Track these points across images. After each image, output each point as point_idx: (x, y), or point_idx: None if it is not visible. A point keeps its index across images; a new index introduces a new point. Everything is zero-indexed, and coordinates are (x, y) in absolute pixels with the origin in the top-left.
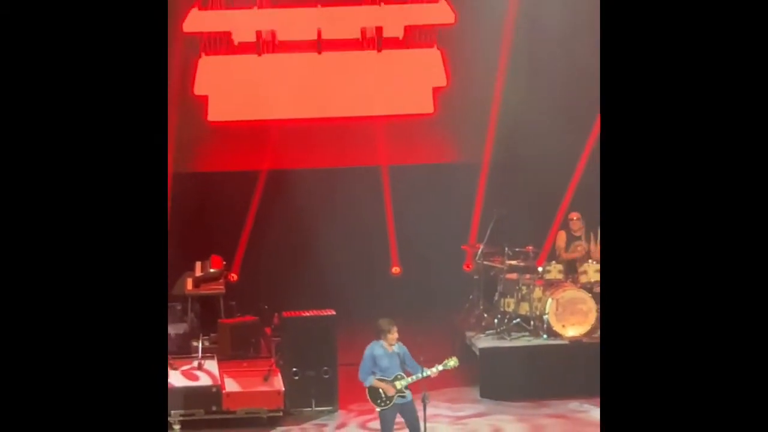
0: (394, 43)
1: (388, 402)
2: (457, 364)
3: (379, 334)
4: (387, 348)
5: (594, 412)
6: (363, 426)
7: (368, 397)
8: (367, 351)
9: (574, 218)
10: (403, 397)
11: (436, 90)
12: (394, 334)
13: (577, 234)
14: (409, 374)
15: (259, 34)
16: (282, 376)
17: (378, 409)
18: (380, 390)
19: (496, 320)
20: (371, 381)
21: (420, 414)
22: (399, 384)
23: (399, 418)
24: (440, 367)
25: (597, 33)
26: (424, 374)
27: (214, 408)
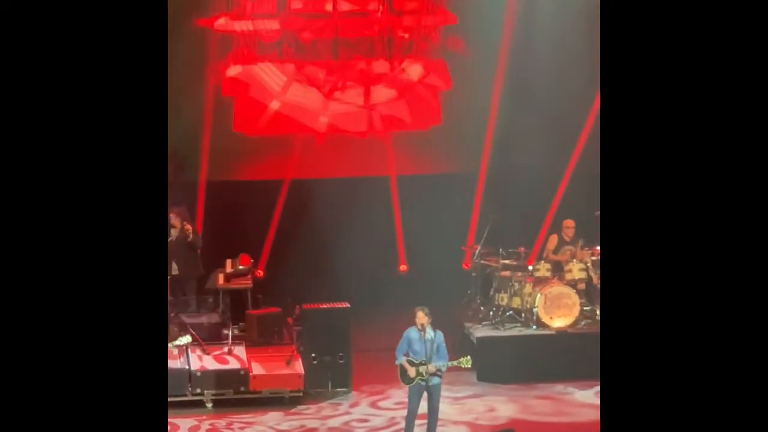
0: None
1: (410, 381)
2: (470, 364)
3: (414, 319)
4: (421, 333)
5: (577, 394)
6: (374, 405)
7: (399, 374)
8: (405, 334)
9: (569, 225)
10: (423, 380)
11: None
12: (419, 317)
13: (568, 239)
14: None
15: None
16: (302, 361)
17: (403, 385)
18: (406, 369)
19: (491, 312)
20: (401, 360)
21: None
22: (421, 368)
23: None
24: (452, 363)
25: (590, 50)
26: (441, 365)
27: (242, 388)
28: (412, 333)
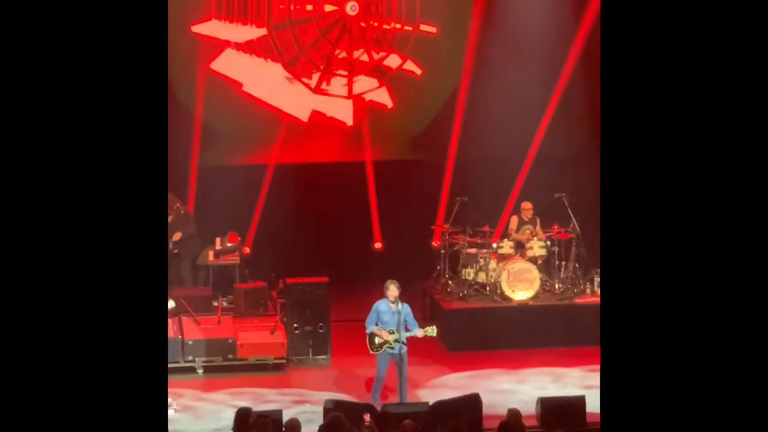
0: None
1: (379, 349)
2: (435, 332)
3: (384, 292)
4: (391, 305)
5: (533, 357)
6: (349, 371)
7: (367, 342)
8: (375, 305)
9: (527, 207)
10: (392, 348)
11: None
12: (391, 291)
13: (527, 219)
14: (407, 329)
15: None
16: (285, 331)
17: (372, 353)
18: (375, 337)
19: (458, 286)
20: (372, 329)
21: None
22: (391, 336)
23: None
24: (421, 332)
25: (552, 35)
26: (411, 333)
27: (230, 356)
28: (381, 305)
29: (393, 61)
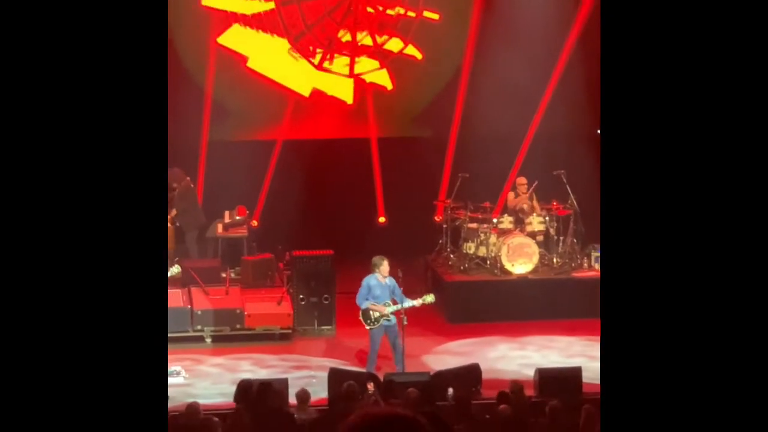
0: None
1: (375, 323)
2: (433, 300)
3: (373, 267)
4: (380, 280)
5: (532, 329)
6: (353, 341)
7: (361, 318)
8: (365, 281)
9: (522, 182)
10: (389, 321)
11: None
12: (385, 267)
13: (523, 194)
14: (395, 303)
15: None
16: (291, 302)
17: (368, 328)
18: (371, 312)
19: (459, 260)
20: (366, 305)
21: (400, 333)
22: (388, 309)
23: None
24: (420, 301)
25: (551, 21)
26: (407, 304)
27: (237, 326)
28: (371, 280)
29: (395, 44)
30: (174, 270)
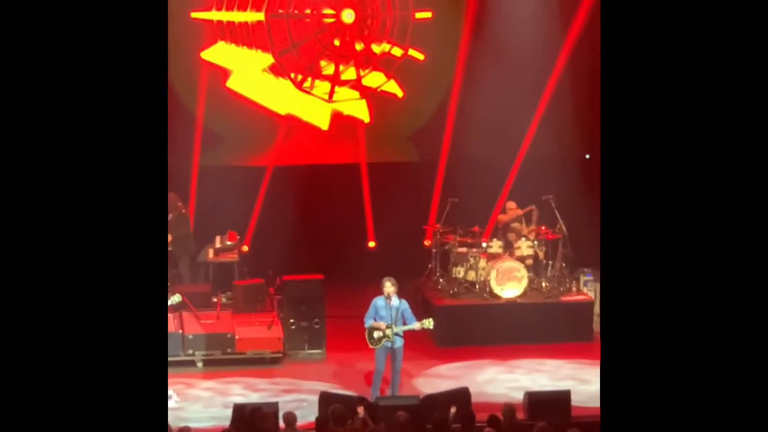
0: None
1: (377, 343)
2: (432, 325)
3: (382, 289)
4: (387, 301)
5: (521, 353)
6: (344, 364)
7: (366, 337)
8: (373, 302)
9: (512, 207)
10: (390, 342)
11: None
12: (386, 287)
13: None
14: (404, 323)
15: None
16: (282, 326)
17: (371, 347)
18: (373, 332)
19: (449, 284)
20: (370, 323)
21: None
22: (388, 330)
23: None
24: (418, 325)
25: (541, 44)
26: (404, 328)
27: (229, 350)
28: (378, 301)
29: (377, 79)
30: (175, 299)
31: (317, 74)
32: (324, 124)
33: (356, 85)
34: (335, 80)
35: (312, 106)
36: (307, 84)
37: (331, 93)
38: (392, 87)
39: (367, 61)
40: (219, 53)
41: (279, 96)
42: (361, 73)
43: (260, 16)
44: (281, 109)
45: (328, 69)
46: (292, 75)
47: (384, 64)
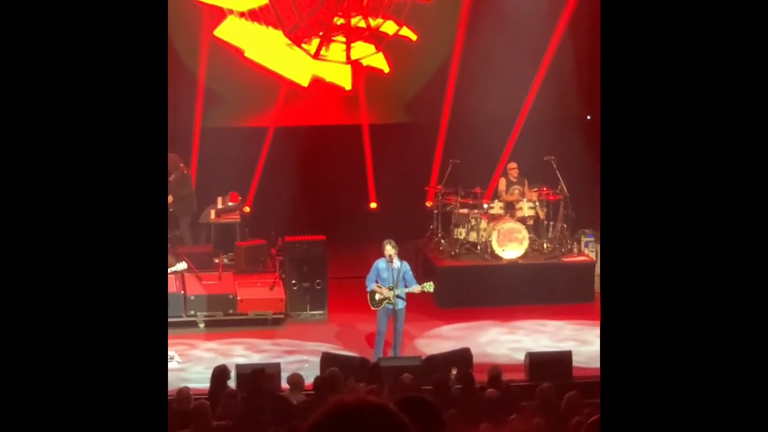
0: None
1: (379, 305)
2: (432, 288)
3: (383, 251)
4: (389, 264)
5: (522, 313)
6: (345, 325)
7: (368, 299)
8: (375, 264)
9: (513, 167)
10: (391, 304)
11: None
12: (387, 250)
13: (514, 180)
14: (406, 286)
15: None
16: (284, 287)
17: (373, 308)
18: (375, 294)
19: (450, 245)
20: (372, 286)
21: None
22: (389, 292)
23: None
24: (419, 288)
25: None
26: (406, 290)
27: (230, 311)
28: (380, 263)
29: (389, 27)
30: (180, 266)
31: (331, 33)
32: (347, 83)
33: (370, 36)
34: (348, 35)
35: (333, 66)
36: (323, 51)
37: (348, 53)
38: (405, 32)
39: (376, 11)
40: (231, 30)
41: (298, 64)
42: (372, 23)
43: (264, 0)
44: (304, 79)
45: (340, 21)
46: (306, 46)
47: (393, 12)
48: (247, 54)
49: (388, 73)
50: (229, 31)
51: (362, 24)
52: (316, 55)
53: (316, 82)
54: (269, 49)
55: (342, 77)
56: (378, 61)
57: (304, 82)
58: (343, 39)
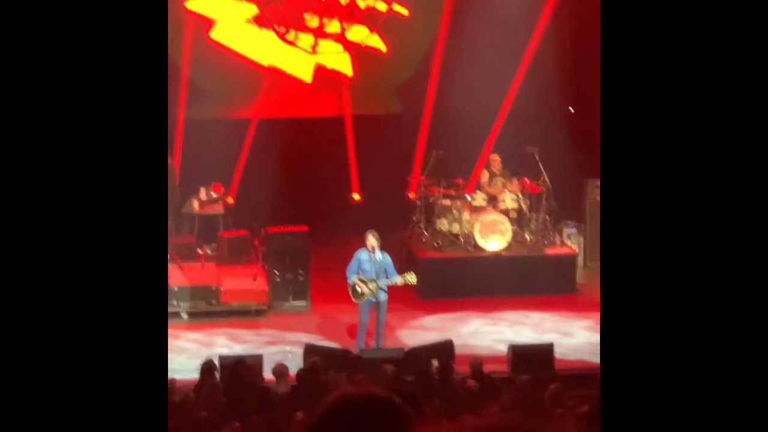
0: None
1: (361, 298)
2: (415, 280)
3: (365, 242)
4: (371, 255)
5: (504, 305)
6: (328, 316)
7: (349, 292)
8: (355, 255)
9: (495, 159)
10: (373, 297)
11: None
12: (369, 241)
13: (497, 172)
14: (387, 278)
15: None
16: (267, 278)
17: (355, 302)
18: (357, 287)
19: (433, 237)
20: (353, 279)
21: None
22: (372, 285)
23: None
24: (400, 279)
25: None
26: (391, 281)
27: (213, 302)
28: (362, 254)
29: (360, 32)
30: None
31: (301, 26)
32: (307, 76)
33: (340, 38)
34: (319, 33)
35: (295, 59)
36: (290, 36)
37: (315, 46)
38: (376, 42)
39: (352, 15)
40: (203, 2)
41: (262, 48)
42: (345, 26)
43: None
44: (264, 61)
45: (312, 22)
46: (276, 26)
47: (369, 18)
48: (212, 35)
49: (352, 77)
50: (201, 3)
51: (335, 26)
52: (283, 38)
53: (278, 71)
54: (237, 26)
55: (303, 69)
56: (343, 63)
57: (265, 63)
58: (312, 35)
